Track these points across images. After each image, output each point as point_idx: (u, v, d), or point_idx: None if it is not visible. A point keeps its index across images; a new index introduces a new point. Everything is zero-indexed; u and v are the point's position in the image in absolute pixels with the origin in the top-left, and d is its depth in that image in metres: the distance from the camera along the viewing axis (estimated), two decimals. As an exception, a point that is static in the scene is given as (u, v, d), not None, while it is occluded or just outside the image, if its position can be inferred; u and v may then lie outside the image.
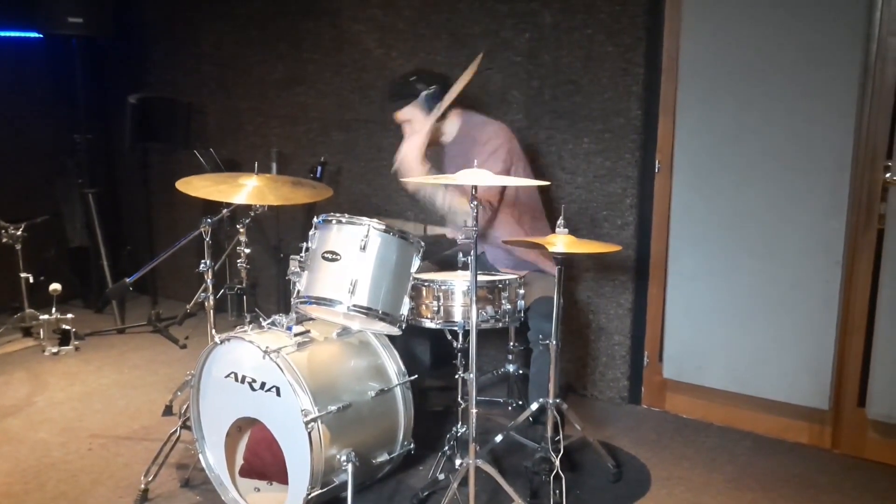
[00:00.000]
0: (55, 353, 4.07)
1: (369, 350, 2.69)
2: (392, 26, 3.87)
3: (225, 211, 2.93)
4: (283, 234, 4.37)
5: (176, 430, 2.73)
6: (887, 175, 2.78)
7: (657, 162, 3.27)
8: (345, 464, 2.40)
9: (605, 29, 3.24)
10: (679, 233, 3.22)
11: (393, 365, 2.68)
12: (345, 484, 2.40)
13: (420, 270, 2.63)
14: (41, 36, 4.71)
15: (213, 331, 2.72)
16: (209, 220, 2.72)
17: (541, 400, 2.68)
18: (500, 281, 2.66)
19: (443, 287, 2.59)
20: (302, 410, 2.31)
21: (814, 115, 2.84)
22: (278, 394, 2.38)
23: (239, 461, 2.66)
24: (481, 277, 2.69)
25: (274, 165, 4.31)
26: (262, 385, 2.42)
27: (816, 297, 2.92)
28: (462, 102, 3.05)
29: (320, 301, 2.53)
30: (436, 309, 2.60)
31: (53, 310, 4.10)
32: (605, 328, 3.47)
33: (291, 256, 2.59)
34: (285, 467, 2.43)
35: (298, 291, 2.58)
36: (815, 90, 2.83)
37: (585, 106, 3.35)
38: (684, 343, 3.27)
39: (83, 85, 4.66)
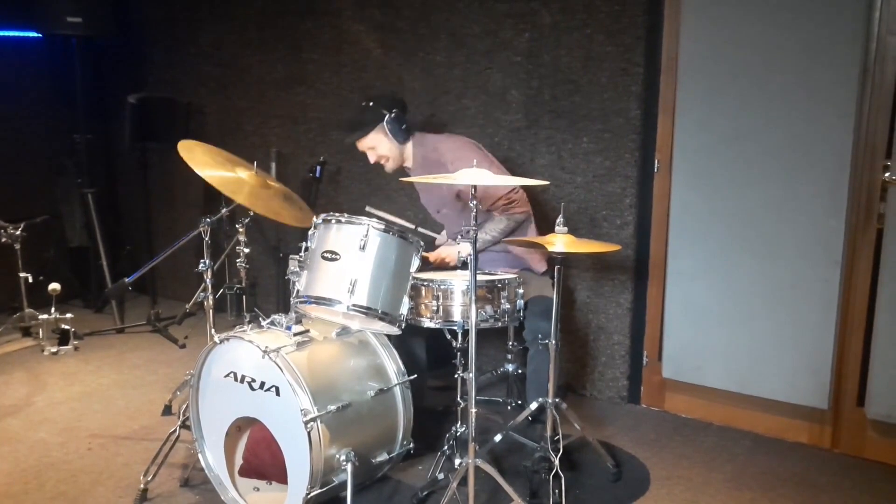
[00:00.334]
0: (54, 353, 4.07)
1: (368, 350, 2.69)
2: (391, 26, 3.87)
3: (224, 210, 2.93)
4: (283, 233, 4.38)
5: (175, 430, 2.73)
6: (886, 174, 2.78)
7: (656, 161, 3.28)
8: (344, 463, 2.40)
9: (605, 29, 3.24)
10: (678, 232, 3.22)
11: (392, 364, 2.68)
12: (344, 483, 2.40)
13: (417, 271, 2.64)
14: (40, 36, 4.72)
15: (213, 330, 2.72)
16: (208, 220, 2.72)
17: (540, 399, 2.68)
18: (499, 280, 2.66)
19: (442, 286, 2.60)
20: (301, 410, 2.31)
21: (813, 115, 2.84)
22: (278, 393, 2.38)
23: (238, 461, 2.65)
24: (480, 277, 2.70)
25: (273, 165, 4.31)
26: (262, 385, 2.42)
27: (816, 297, 2.92)
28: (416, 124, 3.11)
29: (320, 301, 2.53)
30: (435, 308, 2.60)
31: (52, 309, 4.11)
32: (605, 328, 3.47)
33: (291, 256, 2.59)
34: (285, 467, 2.42)
35: (298, 291, 2.58)
36: (814, 89, 2.83)
37: (585, 106, 3.35)
38: (683, 342, 3.27)
39: (82, 85, 4.67)
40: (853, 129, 2.78)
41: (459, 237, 2.56)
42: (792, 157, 2.91)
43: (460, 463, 2.41)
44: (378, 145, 3.06)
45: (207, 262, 2.73)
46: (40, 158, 4.89)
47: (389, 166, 3.12)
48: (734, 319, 3.12)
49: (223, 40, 4.59)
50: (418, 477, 2.77)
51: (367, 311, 2.51)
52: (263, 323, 2.62)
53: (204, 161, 2.72)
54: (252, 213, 2.94)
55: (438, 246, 3.23)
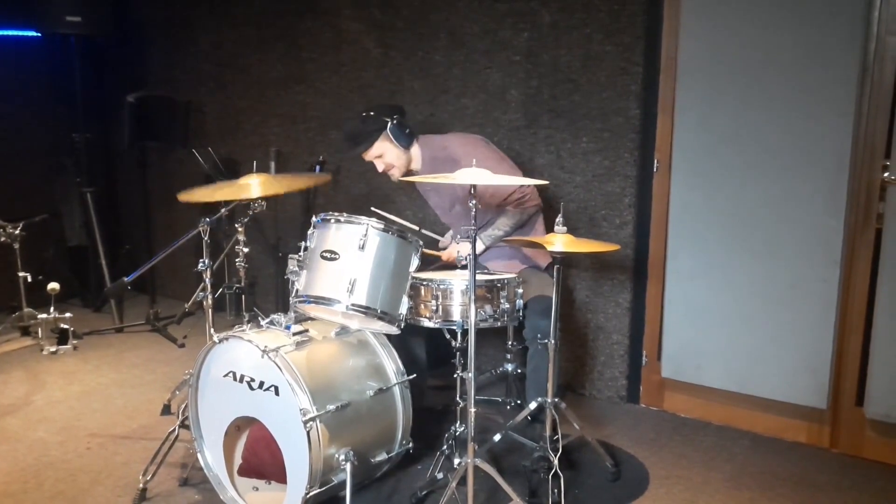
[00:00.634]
0: (53, 353, 4.07)
1: (368, 349, 2.69)
2: (391, 26, 3.87)
3: (223, 210, 2.93)
4: (282, 233, 4.38)
5: (174, 430, 2.73)
6: (885, 174, 2.78)
7: (656, 161, 3.28)
8: (343, 463, 2.40)
9: (604, 28, 3.24)
10: (677, 232, 3.22)
11: (391, 364, 2.68)
12: (343, 483, 2.40)
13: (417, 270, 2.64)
14: (40, 35, 4.71)
15: (212, 330, 2.72)
16: (208, 220, 2.72)
17: (539, 399, 2.69)
18: (498, 280, 2.66)
19: (441, 286, 2.60)
20: (300, 409, 2.31)
21: (812, 115, 2.84)
22: (277, 393, 2.38)
23: (237, 460, 2.65)
24: (480, 276, 2.70)
25: (272, 164, 4.31)
26: (261, 384, 2.42)
27: (815, 297, 2.92)
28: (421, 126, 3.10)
29: (319, 300, 2.53)
30: (434, 308, 2.60)
31: (52, 309, 4.10)
32: (604, 327, 3.47)
33: (290, 255, 2.59)
34: (284, 466, 2.42)
35: (297, 290, 2.58)
36: (813, 89, 2.83)
37: (584, 105, 3.35)
38: (683, 342, 3.27)
39: (82, 84, 4.67)
40: (852, 129, 2.78)
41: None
42: (791, 156, 2.91)
43: (459, 462, 2.41)
44: (385, 153, 3.07)
45: (206, 261, 2.73)
46: (39, 157, 4.89)
47: (396, 174, 3.11)
48: (733, 319, 3.12)
49: (222, 39, 4.59)
50: (417, 476, 2.77)
51: (367, 311, 2.51)
52: (262, 322, 2.62)
53: (205, 193, 2.86)
54: (251, 213, 2.94)
55: (443, 248, 3.23)
